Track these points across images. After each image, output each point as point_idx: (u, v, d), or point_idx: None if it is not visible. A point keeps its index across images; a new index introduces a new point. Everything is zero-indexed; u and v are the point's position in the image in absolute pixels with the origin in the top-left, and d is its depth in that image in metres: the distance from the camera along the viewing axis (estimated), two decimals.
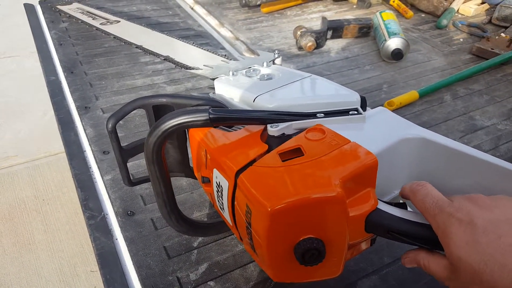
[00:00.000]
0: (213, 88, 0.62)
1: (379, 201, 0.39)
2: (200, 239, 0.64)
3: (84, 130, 0.88)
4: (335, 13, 1.55)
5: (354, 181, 0.38)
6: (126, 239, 0.63)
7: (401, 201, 0.43)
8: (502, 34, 1.31)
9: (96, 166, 0.79)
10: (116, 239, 0.64)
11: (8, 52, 2.81)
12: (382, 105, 1.03)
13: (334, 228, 0.37)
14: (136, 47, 1.02)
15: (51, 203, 1.76)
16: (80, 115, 0.93)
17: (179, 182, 0.75)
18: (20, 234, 1.61)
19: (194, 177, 0.61)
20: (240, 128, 0.49)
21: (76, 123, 0.91)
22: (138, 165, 0.79)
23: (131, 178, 0.59)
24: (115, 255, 0.61)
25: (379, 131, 0.46)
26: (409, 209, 0.39)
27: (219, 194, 0.46)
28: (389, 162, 0.43)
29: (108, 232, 0.65)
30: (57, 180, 1.87)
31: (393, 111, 1.00)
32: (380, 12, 1.34)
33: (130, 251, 0.61)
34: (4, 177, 1.88)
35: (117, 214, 0.68)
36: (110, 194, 0.72)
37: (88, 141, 0.85)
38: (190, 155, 0.59)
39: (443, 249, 0.34)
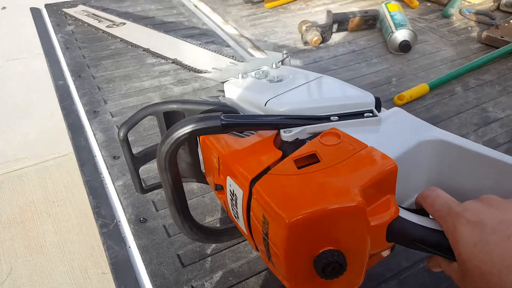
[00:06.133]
0: (222, 91, 0.61)
1: (400, 208, 0.38)
2: (213, 245, 0.63)
3: (94, 135, 0.87)
4: (339, 5, 1.52)
5: (374, 188, 0.37)
6: (139, 247, 0.63)
7: None
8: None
9: (107, 172, 0.78)
10: (129, 247, 0.64)
11: (15, 54, 2.81)
12: (392, 99, 1.02)
13: (355, 239, 0.36)
14: (143, 51, 1.00)
15: (61, 204, 1.76)
16: (89, 119, 0.92)
17: (190, 187, 0.74)
18: (31, 237, 1.62)
19: (206, 182, 0.60)
20: (252, 134, 0.48)
21: (86, 128, 0.91)
22: (148, 169, 0.78)
23: (143, 185, 0.59)
24: (128, 264, 0.60)
25: (396, 134, 0.45)
26: (431, 216, 0.38)
27: (233, 202, 0.45)
28: (408, 166, 0.42)
29: (121, 240, 0.64)
30: (66, 181, 1.88)
31: (403, 105, 1.00)
32: (386, 3, 1.32)
33: (143, 260, 0.61)
34: (14, 180, 1.89)
35: (129, 221, 0.67)
36: (122, 200, 0.71)
37: (98, 146, 0.84)
38: (201, 160, 0.58)
39: None
